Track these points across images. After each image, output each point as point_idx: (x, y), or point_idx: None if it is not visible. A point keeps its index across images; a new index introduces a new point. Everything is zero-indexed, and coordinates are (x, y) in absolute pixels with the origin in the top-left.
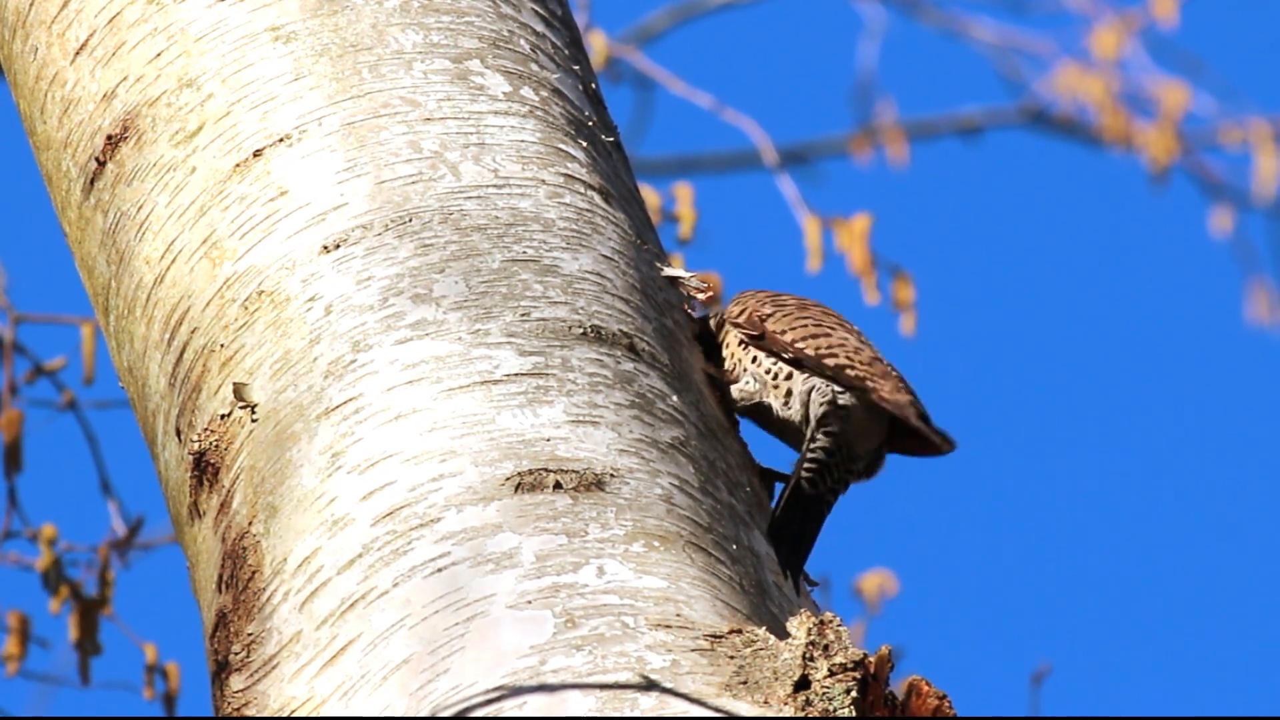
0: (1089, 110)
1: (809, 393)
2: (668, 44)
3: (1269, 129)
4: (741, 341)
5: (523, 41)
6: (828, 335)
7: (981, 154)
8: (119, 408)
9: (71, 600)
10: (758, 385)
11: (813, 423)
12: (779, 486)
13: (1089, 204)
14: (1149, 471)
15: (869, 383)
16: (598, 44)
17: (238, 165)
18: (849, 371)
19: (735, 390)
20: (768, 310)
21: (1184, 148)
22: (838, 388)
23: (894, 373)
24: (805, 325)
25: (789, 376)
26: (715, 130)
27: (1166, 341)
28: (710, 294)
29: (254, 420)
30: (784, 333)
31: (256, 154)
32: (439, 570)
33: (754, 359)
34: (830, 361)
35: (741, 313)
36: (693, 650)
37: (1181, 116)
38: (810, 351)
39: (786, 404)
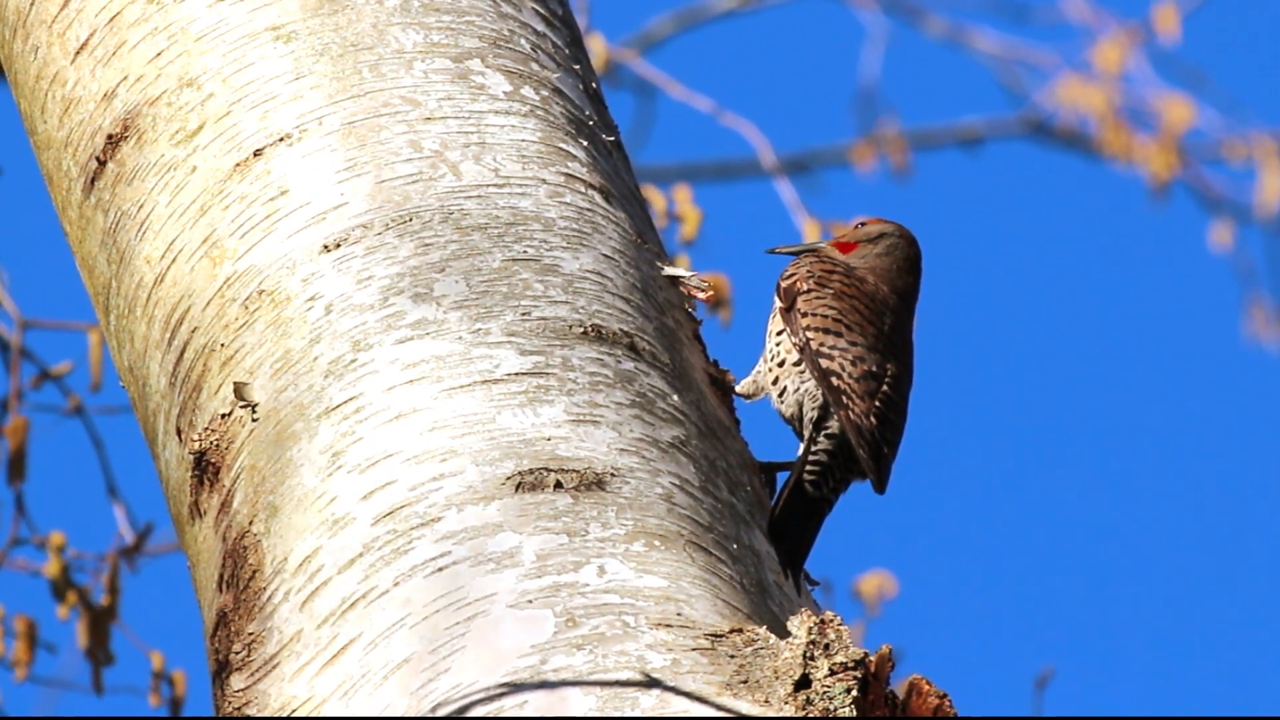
0: (1090, 122)
1: (803, 396)
2: (671, 50)
3: (1272, 144)
4: (775, 307)
5: (523, 41)
6: (839, 335)
7: (982, 164)
8: (125, 413)
9: (79, 606)
10: (757, 385)
11: (810, 426)
12: (781, 477)
13: (1089, 216)
14: (1148, 482)
15: (844, 398)
16: (597, 48)
17: (238, 164)
18: (833, 380)
19: (738, 388)
20: (807, 287)
21: (1185, 162)
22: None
23: (884, 392)
24: (827, 317)
25: (781, 364)
26: (716, 136)
27: (1165, 355)
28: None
29: (254, 420)
30: (805, 315)
31: (257, 153)
32: (440, 569)
33: (778, 329)
34: (824, 364)
35: (790, 277)
36: (693, 649)
37: (1183, 130)
38: (814, 345)
39: (781, 398)
